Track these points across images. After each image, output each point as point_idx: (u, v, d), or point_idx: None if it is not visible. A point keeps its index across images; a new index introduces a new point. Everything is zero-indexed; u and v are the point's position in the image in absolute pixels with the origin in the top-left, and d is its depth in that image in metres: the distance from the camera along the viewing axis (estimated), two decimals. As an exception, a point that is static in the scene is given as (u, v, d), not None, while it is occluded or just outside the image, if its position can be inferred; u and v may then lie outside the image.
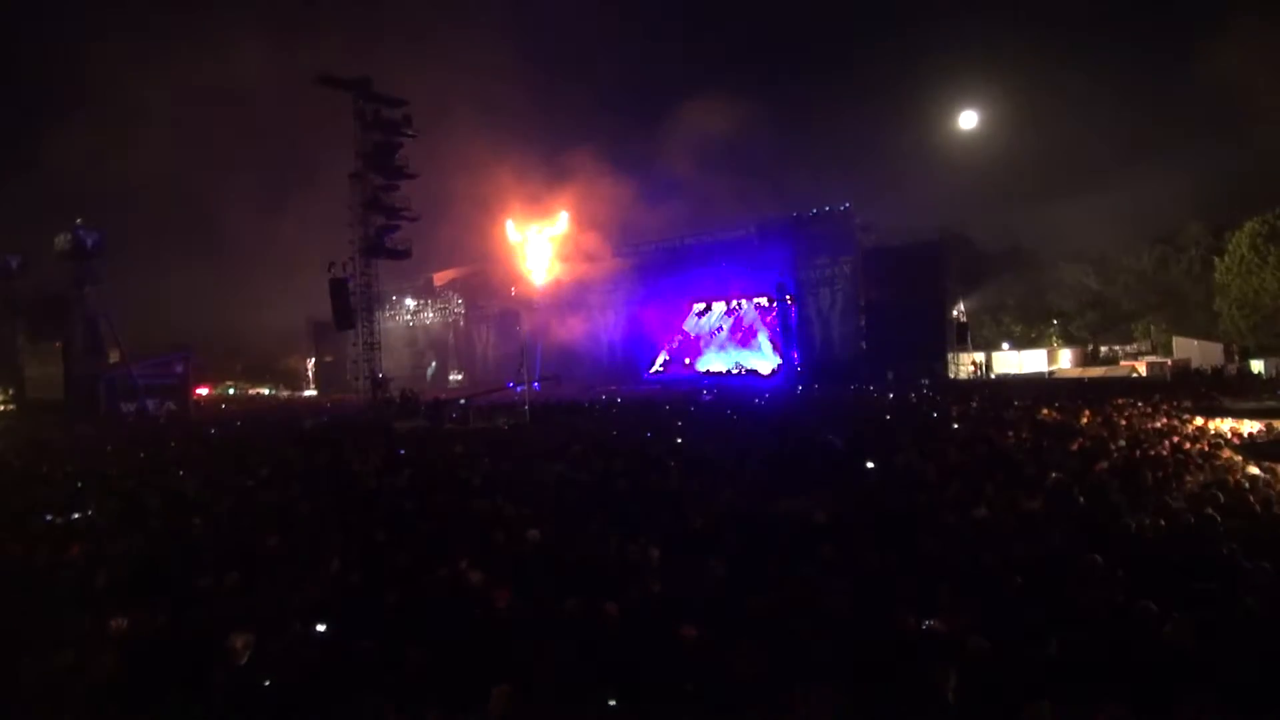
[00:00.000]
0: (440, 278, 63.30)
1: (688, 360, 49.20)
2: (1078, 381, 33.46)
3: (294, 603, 5.65)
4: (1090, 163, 61.47)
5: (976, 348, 43.44)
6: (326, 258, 33.44)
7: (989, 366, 43.51)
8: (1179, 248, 43.26)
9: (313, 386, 64.01)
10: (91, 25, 70.78)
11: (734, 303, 47.51)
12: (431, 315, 64.26)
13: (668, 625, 4.73)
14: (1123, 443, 12.43)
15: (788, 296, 43.20)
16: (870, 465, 10.90)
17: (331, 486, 10.99)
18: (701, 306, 48.91)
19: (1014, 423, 16.42)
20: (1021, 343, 47.85)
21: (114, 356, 39.72)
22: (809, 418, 20.22)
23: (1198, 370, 33.45)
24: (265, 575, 6.35)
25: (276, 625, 5.07)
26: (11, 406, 43.66)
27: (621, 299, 51.10)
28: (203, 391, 51.17)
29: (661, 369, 49.88)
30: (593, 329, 51.24)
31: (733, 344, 47.56)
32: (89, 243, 38.58)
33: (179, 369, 41.60)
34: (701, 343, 48.99)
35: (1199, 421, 16.50)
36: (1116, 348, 45.95)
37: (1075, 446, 12.30)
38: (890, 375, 36.31)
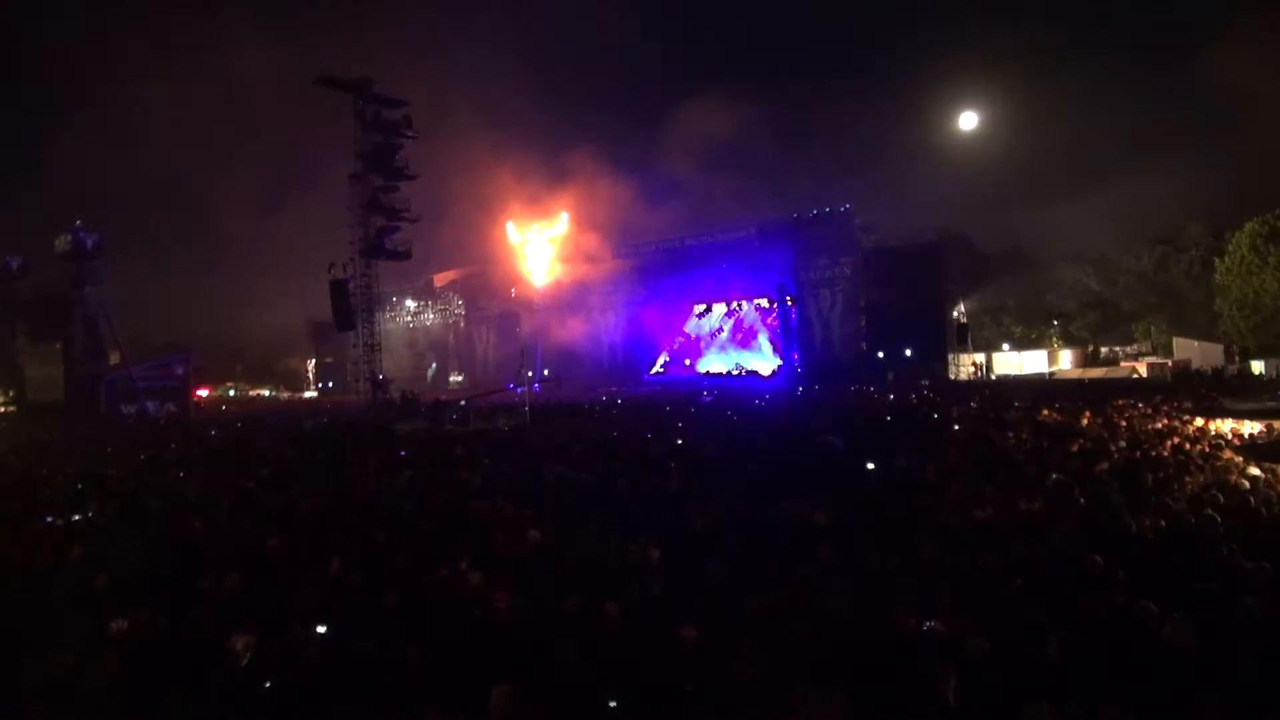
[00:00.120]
0: (440, 279, 63.28)
1: (688, 361, 49.21)
2: (1078, 382, 33.49)
3: (294, 604, 5.63)
4: (1090, 163, 61.72)
5: (977, 348, 43.47)
6: (326, 259, 33.45)
7: (989, 367, 43.54)
8: (1179, 248, 43.22)
9: (313, 387, 63.99)
10: (91, 25, 70.98)
11: (734, 304, 47.54)
12: (432, 316, 64.28)
13: (668, 626, 4.72)
14: (1123, 444, 12.43)
15: (788, 297, 43.23)
16: (870, 466, 10.88)
17: (331, 488, 10.99)
18: (702, 308, 48.93)
19: (1014, 423, 16.41)
20: (1022, 343, 47.82)
21: (114, 358, 39.76)
22: (809, 419, 20.22)
23: (1198, 371, 33.39)
24: (265, 576, 6.35)
25: (276, 626, 5.07)
26: (12, 408, 43.65)
27: (622, 300, 51.10)
28: (203, 393, 51.12)
29: (662, 370, 49.88)
30: (593, 330, 51.22)
31: (733, 345, 47.57)
32: (89, 244, 38.67)
33: (179, 371, 41.58)
34: (702, 344, 49.00)
35: (1199, 422, 16.50)
36: (1117, 349, 45.92)
37: (1076, 447, 12.28)
38: (890, 376, 36.33)
